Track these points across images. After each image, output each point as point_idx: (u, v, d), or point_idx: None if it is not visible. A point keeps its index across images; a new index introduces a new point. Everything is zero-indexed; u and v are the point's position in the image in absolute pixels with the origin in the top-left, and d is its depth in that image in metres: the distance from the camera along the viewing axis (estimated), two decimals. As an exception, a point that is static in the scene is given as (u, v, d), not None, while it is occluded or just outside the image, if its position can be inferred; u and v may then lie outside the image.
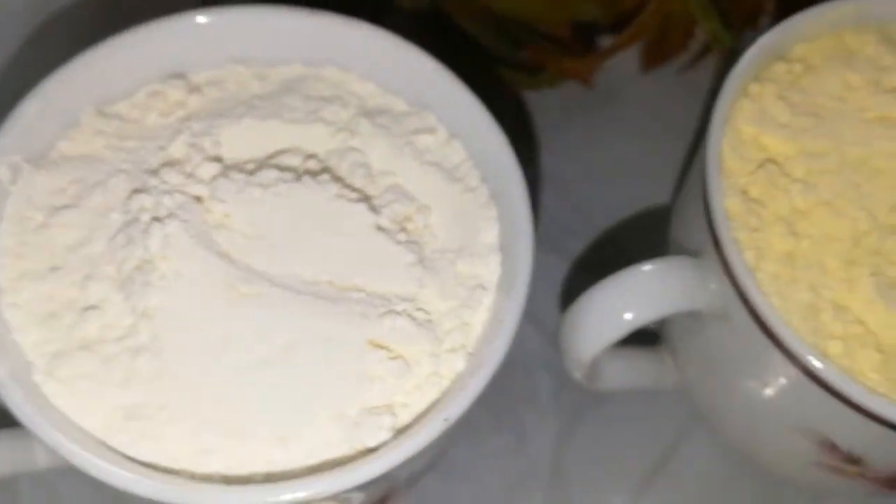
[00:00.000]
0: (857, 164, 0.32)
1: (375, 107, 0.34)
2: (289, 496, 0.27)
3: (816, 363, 0.29)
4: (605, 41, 0.45)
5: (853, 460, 0.33)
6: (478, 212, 0.32)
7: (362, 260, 0.31)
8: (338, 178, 0.32)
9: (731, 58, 0.36)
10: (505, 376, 0.42)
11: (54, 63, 0.32)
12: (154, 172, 0.31)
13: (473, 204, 0.32)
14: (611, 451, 0.42)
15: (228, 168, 0.32)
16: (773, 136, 0.33)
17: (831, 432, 0.32)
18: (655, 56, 0.45)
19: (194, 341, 0.29)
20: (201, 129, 0.32)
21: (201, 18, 0.34)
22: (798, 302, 0.30)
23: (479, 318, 0.30)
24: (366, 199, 0.32)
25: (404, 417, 0.29)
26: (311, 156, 0.32)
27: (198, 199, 0.31)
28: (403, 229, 0.32)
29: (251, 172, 0.31)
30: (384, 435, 0.28)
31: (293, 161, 0.32)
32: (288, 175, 0.31)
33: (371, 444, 0.28)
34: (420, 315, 0.30)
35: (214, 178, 0.31)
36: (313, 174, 0.32)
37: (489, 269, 0.31)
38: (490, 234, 0.32)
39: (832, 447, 0.33)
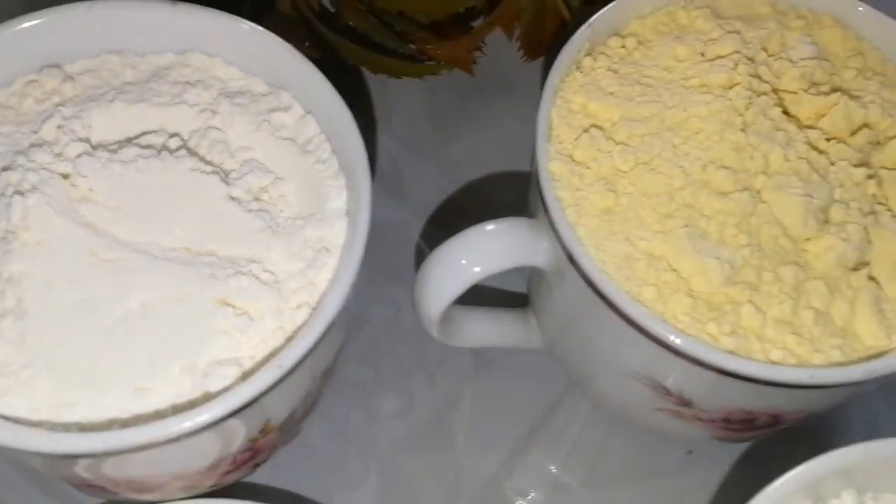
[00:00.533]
0: (675, 126, 0.35)
1: (237, 88, 0.37)
2: (134, 438, 0.29)
3: (630, 308, 0.32)
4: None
5: (685, 402, 0.35)
6: (328, 181, 0.35)
7: (215, 227, 0.33)
8: (195, 154, 0.35)
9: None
10: (394, 342, 0.45)
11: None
12: (23, 152, 0.34)
13: (324, 174, 0.35)
14: (494, 412, 0.44)
15: (95, 147, 0.34)
16: (599, 103, 0.35)
17: (658, 376, 0.34)
18: (534, 44, 0.48)
19: (56, 303, 0.32)
20: (72, 112, 0.35)
21: (77, 12, 0.36)
22: (614, 253, 0.33)
23: (323, 277, 0.33)
24: (222, 172, 0.34)
25: (251, 367, 0.32)
26: (174, 135, 0.35)
27: (65, 176, 0.34)
28: (258, 199, 0.34)
29: (114, 150, 0.34)
30: (228, 383, 0.31)
31: (158, 140, 0.35)
32: (147, 152, 0.34)
33: (215, 390, 0.31)
34: (266, 276, 0.33)
35: (79, 155, 0.34)
36: (171, 151, 0.34)
37: (334, 233, 0.34)
38: (338, 202, 0.34)
39: (665, 391, 0.35)
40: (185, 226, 0.33)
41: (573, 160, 0.35)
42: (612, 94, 0.36)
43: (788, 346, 0.32)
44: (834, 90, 0.36)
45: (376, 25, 0.47)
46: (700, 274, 0.32)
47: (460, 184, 0.50)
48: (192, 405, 0.31)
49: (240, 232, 0.33)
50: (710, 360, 0.31)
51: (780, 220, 0.33)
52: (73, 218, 0.33)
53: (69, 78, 0.36)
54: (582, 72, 0.37)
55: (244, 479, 0.39)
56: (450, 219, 0.49)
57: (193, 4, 0.36)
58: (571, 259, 0.33)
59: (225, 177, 0.34)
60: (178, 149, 0.34)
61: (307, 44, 0.45)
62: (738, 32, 0.37)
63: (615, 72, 0.37)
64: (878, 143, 0.36)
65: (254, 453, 0.35)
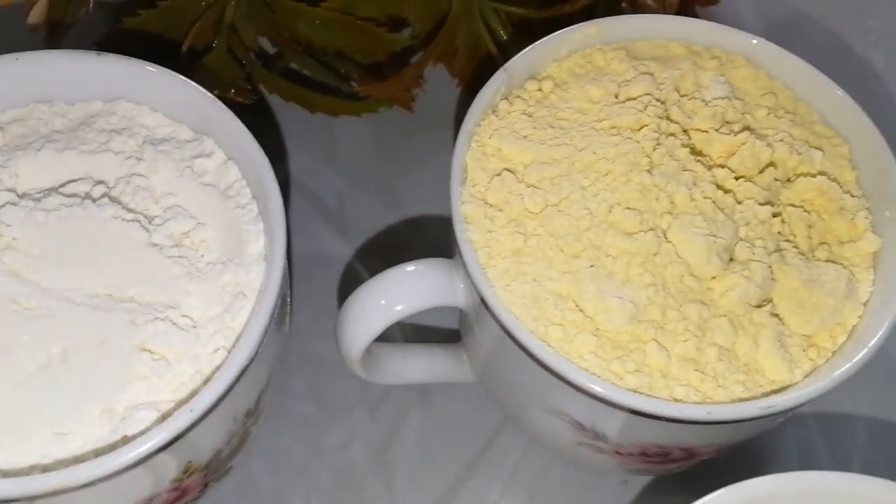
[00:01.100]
0: (584, 168, 0.36)
1: (163, 135, 0.38)
2: (51, 482, 0.30)
3: (536, 348, 0.33)
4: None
5: (601, 438, 0.36)
6: (247, 226, 0.36)
7: (136, 273, 0.34)
8: (119, 201, 0.36)
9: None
10: (337, 377, 0.46)
11: None
12: (-52, 203, 0.35)
13: (244, 219, 0.36)
14: (436, 444, 0.45)
15: (21, 196, 0.35)
16: (512, 147, 0.36)
17: (572, 412, 0.35)
18: (471, 78, 0.49)
19: (-22, 351, 0.32)
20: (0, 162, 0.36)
21: (4, 64, 0.38)
22: (523, 293, 0.34)
23: (239, 321, 0.34)
24: (145, 218, 0.35)
25: (170, 410, 0.33)
26: (100, 182, 0.36)
27: (-11, 226, 0.35)
28: (180, 244, 0.35)
29: (38, 199, 0.35)
30: (146, 427, 0.32)
31: (84, 188, 0.36)
32: (70, 200, 0.35)
33: (132, 434, 0.32)
34: (184, 321, 0.34)
35: (3, 205, 0.35)
36: (95, 199, 0.35)
37: (251, 278, 0.35)
38: (256, 246, 0.35)
39: (581, 426, 0.36)
40: (106, 272, 0.34)
41: (486, 203, 0.36)
42: (525, 137, 0.37)
43: (692, 383, 0.33)
44: (745, 129, 0.37)
45: (317, 66, 0.48)
46: (604, 313, 0.33)
47: (405, 218, 0.51)
48: (111, 449, 0.32)
49: (159, 278, 0.34)
50: (614, 398, 0.32)
51: (685, 259, 0.34)
52: (-4, 267, 0.34)
53: (-1, 128, 0.37)
54: (497, 115, 0.38)
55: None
56: (395, 253, 0.50)
57: (118, 55, 0.38)
58: (483, 300, 0.34)
59: (148, 223, 0.35)
60: (101, 197, 0.35)
61: (249, 87, 0.46)
62: (651, 74, 0.38)
63: (530, 115, 0.37)
64: (787, 181, 0.37)
65: (181, 493, 0.36)
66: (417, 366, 0.42)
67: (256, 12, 0.46)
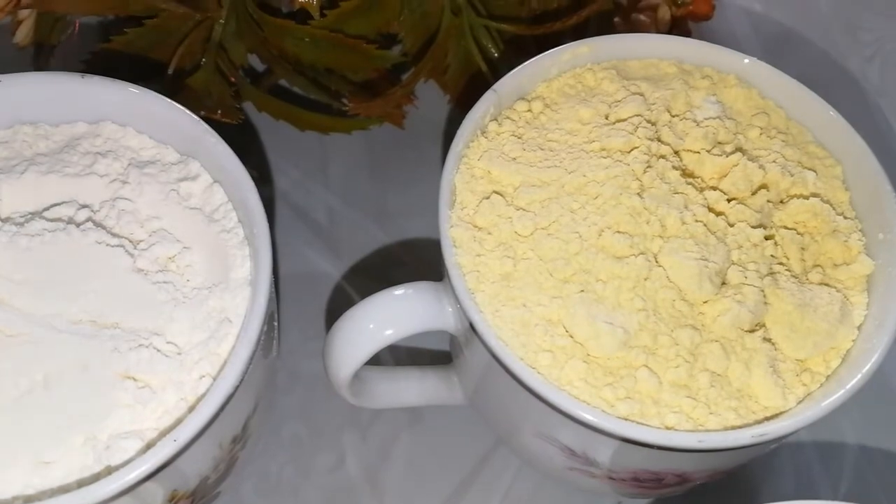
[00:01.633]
0: (574, 192, 0.35)
1: (148, 158, 0.37)
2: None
3: (525, 375, 0.32)
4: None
5: (591, 463, 0.36)
6: (233, 250, 0.35)
7: (120, 299, 0.34)
8: (102, 226, 0.35)
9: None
10: (327, 397, 0.46)
11: None
12: (-70, 228, 0.34)
13: (229, 243, 0.35)
14: (426, 466, 0.45)
15: (4, 221, 0.35)
16: (501, 169, 0.36)
17: (562, 438, 0.35)
18: (462, 94, 0.48)
19: (-41, 380, 0.32)
20: (-17, 186, 0.35)
21: (-12, 85, 0.37)
22: (512, 319, 0.33)
23: (225, 347, 0.33)
24: (129, 243, 0.35)
25: (154, 438, 0.32)
26: (84, 206, 0.36)
27: (-28, 251, 0.34)
28: (165, 269, 0.35)
29: (21, 224, 0.35)
30: (130, 456, 0.31)
31: (68, 211, 0.36)
32: (53, 225, 0.35)
33: (116, 464, 0.31)
34: (169, 347, 0.33)
35: (-14, 230, 0.34)
36: (78, 223, 0.35)
37: (237, 303, 0.34)
38: (242, 270, 0.35)
39: (572, 452, 0.36)
40: (90, 298, 0.34)
41: (475, 226, 0.35)
42: (514, 159, 0.36)
43: (684, 410, 0.32)
44: (737, 150, 0.37)
45: (307, 83, 0.47)
46: (594, 339, 0.33)
47: (397, 236, 0.50)
48: (95, 479, 0.31)
49: (144, 304, 0.34)
50: (604, 426, 0.32)
51: (677, 283, 0.34)
52: (-22, 294, 0.33)
53: (-18, 151, 0.37)
54: (487, 137, 0.37)
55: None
56: (386, 272, 0.49)
57: (103, 77, 0.37)
58: (471, 325, 0.33)
59: (133, 247, 0.35)
60: (85, 221, 0.35)
61: (236, 106, 0.46)
62: (641, 94, 0.38)
63: (519, 137, 0.37)
64: (780, 202, 0.36)
65: (168, 519, 0.36)
66: (408, 389, 0.41)
67: (245, 30, 0.45)
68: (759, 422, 0.33)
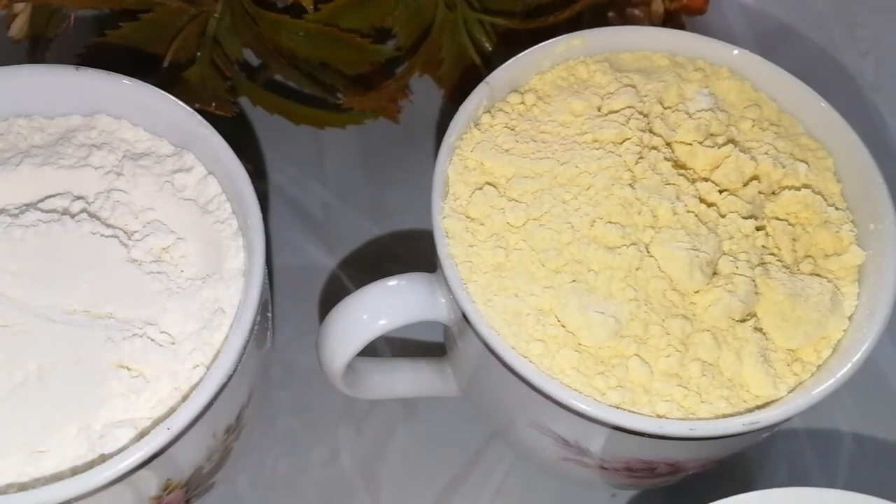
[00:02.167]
0: (566, 182, 0.35)
1: (143, 150, 0.37)
2: (27, 501, 0.30)
3: (517, 363, 0.33)
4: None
5: (585, 453, 0.36)
6: (226, 241, 0.35)
7: (114, 289, 0.34)
8: (96, 217, 0.35)
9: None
10: (322, 391, 0.46)
11: None
12: (-74, 219, 0.34)
13: (223, 234, 0.36)
14: (421, 459, 0.45)
15: (0, 212, 0.35)
16: (494, 161, 0.36)
17: (555, 428, 0.35)
18: (456, 88, 0.48)
19: (-47, 370, 0.32)
20: (-22, 178, 0.36)
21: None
22: (504, 309, 0.33)
23: (218, 337, 0.34)
24: (124, 234, 0.35)
25: (148, 428, 0.32)
26: (79, 197, 0.36)
27: (-34, 242, 0.34)
28: (159, 259, 0.35)
29: (16, 215, 0.35)
30: (123, 444, 0.32)
31: (63, 203, 0.36)
32: (48, 216, 0.35)
33: (109, 452, 0.31)
34: (162, 337, 0.33)
35: (-20, 222, 0.34)
36: (73, 214, 0.35)
37: (230, 294, 0.34)
38: (235, 261, 0.35)
39: (565, 442, 0.36)
40: (84, 289, 0.34)
41: (468, 217, 0.35)
42: (507, 151, 0.36)
43: (675, 399, 0.32)
44: (729, 141, 0.37)
45: (301, 77, 0.47)
46: (586, 328, 0.33)
47: (391, 230, 0.50)
48: (89, 467, 0.31)
49: (137, 294, 0.34)
50: (596, 414, 0.32)
51: (668, 273, 0.34)
52: (-28, 284, 0.33)
53: (-24, 143, 0.37)
54: (480, 129, 0.37)
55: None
56: (381, 265, 0.50)
57: (97, 69, 0.37)
58: (464, 315, 0.34)
59: (127, 238, 0.35)
60: (80, 212, 0.35)
61: (231, 99, 0.46)
62: (634, 86, 0.38)
63: (512, 129, 0.37)
64: (772, 194, 0.36)
65: (163, 510, 0.36)
66: (401, 381, 0.41)
67: (240, 24, 0.46)
68: (750, 410, 0.33)
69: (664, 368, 0.33)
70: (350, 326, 0.36)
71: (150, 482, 0.33)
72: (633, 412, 0.32)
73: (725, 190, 0.36)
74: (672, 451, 0.34)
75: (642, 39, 0.40)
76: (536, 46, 0.39)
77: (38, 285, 0.34)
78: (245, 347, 0.33)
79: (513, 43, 0.44)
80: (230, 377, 0.32)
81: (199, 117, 0.36)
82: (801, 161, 0.37)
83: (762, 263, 0.35)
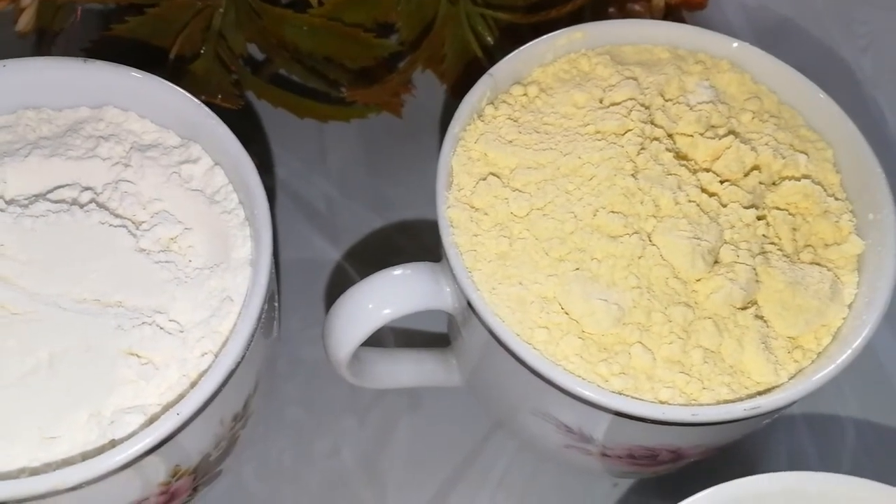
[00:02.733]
0: (569, 173, 0.36)
1: (150, 141, 0.38)
2: (39, 485, 0.30)
3: (521, 350, 0.33)
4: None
5: (588, 440, 0.36)
6: (234, 231, 0.36)
7: (123, 279, 0.34)
8: (105, 207, 0.36)
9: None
10: (327, 383, 0.46)
11: None
12: (-65, 210, 0.35)
13: (230, 224, 0.36)
14: (424, 450, 0.45)
15: (8, 203, 0.36)
16: (498, 152, 0.37)
17: (558, 415, 0.35)
18: (458, 83, 0.49)
19: (-35, 357, 0.33)
20: (-13, 169, 0.36)
21: (-9, 70, 0.38)
22: (508, 296, 0.34)
23: (226, 326, 0.34)
24: (132, 224, 0.36)
25: (157, 414, 0.33)
26: (87, 188, 0.36)
27: (-23, 232, 0.35)
28: (167, 249, 0.35)
29: (26, 206, 0.35)
30: (133, 430, 0.32)
31: (71, 193, 0.36)
32: (57, 206, 0.35)
33: (119, 438, 0.32)
34: (171, 325, 0.34)
35: (-8, 212, 0.35)
36: (82, 205, 0.35)
37: (238, 283, 0.35)
38: (243, 251, 0.35)
39: (568, 429, 0.36)
40: (94, 278, 0.34)
41: (472, 207, 0.36)
42: (510, 142, 0.37)
43: (677, 385, 0.33)
44: (730, 133, 0.37)
45: (305, 72, 0.48)
46: (589, 316, 0.33)
47: (395, 222, 0.51)
48: (99, 452, 0.32)
49: (146, 283, 0.34)
50: (599, 400, 0.32)
51: (670, 262, 0.34)
52: (-17, 273, 0.34)
53: (-14, 134, 0.37)
54: (483, 120, 0.38)
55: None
56: (385, 258, 0.50)
57: (105, 62, 0.38)
58: (469, 303, 0.34)
59: (135, 228, 0.35)
60: (88, 202, 0.36)
61: (237, 92, 0.46)
62: (635, 78, 0.38)
63: (515, 120, 0.38)
64: (772, 184, 0.37)
65: (170, 497, 0.36)
66: (406, 370, 0.42)
67: (244, 19, 0.46)
68: (751, 396, 0.33)
69: (667, 355, 0.33)
70: (356, 315, 0.36)
71: (159, 468, 0.34)
72: (636, 398, 0.32)
73: (726, 180, 0.36)
74: (674, 438, 0.35)
75: (643, 32, 0.40)
76: (539, 39, 0.39)
77: (49, 274, 0.34)
78: (253, 335, 0.33)
79: (515, 38, 0.45)
80: (238, 364, 0.33)
81: (206, 109, 0.37)
82: (801, 152, 0.37)
83: (763, 252, 0.35)
